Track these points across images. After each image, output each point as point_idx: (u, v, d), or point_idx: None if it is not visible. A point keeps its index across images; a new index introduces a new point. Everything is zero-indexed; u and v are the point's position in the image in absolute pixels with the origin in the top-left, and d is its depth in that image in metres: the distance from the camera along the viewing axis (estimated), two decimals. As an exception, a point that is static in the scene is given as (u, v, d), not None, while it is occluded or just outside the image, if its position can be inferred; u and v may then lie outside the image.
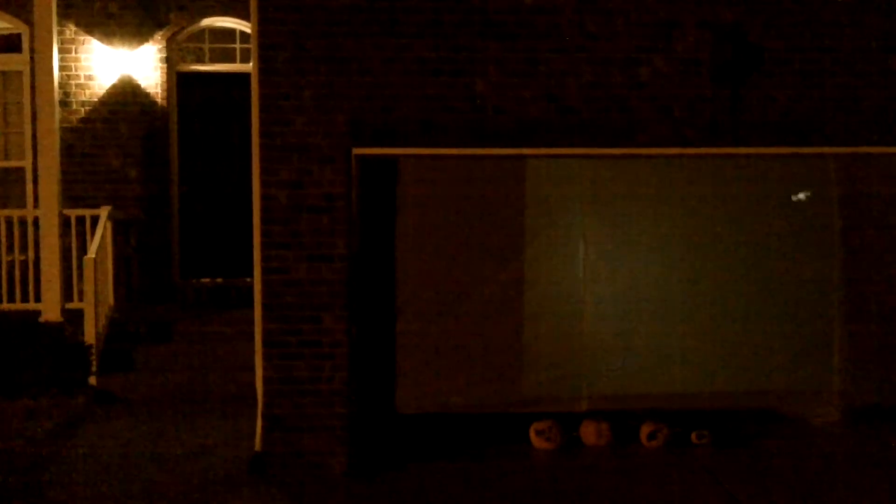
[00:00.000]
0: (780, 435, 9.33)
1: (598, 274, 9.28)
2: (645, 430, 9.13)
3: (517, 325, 9.21)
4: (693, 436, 9.12)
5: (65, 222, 11.57)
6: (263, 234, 8.56)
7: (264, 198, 8.54)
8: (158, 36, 12.75)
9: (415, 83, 8.51)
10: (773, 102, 8.70)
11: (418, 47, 8.51)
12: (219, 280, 12.91)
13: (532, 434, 9.09)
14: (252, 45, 8.70)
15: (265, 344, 8.56)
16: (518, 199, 9.16)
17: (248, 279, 11.49)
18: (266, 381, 8.57)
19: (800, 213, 9.40)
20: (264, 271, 8.55)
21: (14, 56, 12.89)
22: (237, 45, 13.02)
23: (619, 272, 9.32)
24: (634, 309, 9.32)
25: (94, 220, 11.77)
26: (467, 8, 8.53)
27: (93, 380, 10.80)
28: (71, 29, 12.59)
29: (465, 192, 9.01)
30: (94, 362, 10.83)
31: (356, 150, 8.50)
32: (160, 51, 12.75)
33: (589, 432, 9.20)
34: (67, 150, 12.35)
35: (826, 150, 8.88)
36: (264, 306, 8.57)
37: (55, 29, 11.38)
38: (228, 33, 13.05)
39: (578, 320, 9.29)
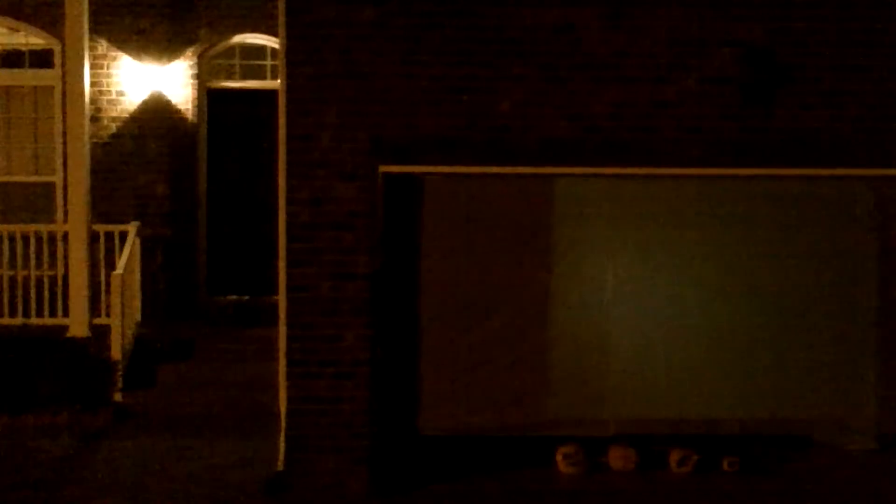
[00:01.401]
0: (813, 462, 9.13)
1: (624, 295, 9.14)
2: (674, 456, 8.97)
3: (542, 346, 9.08)
4: (724, 462, 8.95)
5: (93, 237, 11.55)
6: (287, 251, 8.53)
7: (289, 215, 8.50)
8: (189, 52, 12.77)
9: (438, 101, 8.44)
10: (802, 122, 8.53)
11: (441, 65, 8.43)
12: (245, 298, 12.89)
13: (558, 458, 8.95)
14: (279, 62, 8.68)
15: (288, 363, 8.50)
16: (544, 217, 9.04)
17: (274, 297, 11.42)
18: (289, 400, 8.51)
19: (833, 235, 9.21)
20: (288, 289, 8.51)
21: (46, 71, 12.95)
22: (267, 62, 13.02)
23: (647, 293, 9.17)
24: (661, 331, 9.17)
25: (123, 235, 11.77)
26: (490, 25, 8.44)
27: (118, 396, 10.79)
28: (102, 45, 12.64)
29: (490, 209, 8.92)
30: (119, 379, 10.81)
31: (382, 168, 8.44)
32: (191, 67, 12.78)
33: (616, 457, 9.04)
34: (97, 166, 12.33)
35: (856, 171, 8.71)
36: (288, 325, 8.53)
37: (87, 44, 11.38)
38: (259, 50, 13.06)
39: (604, 341, 9.15)
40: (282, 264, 8.60)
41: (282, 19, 8.56)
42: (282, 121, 8.57)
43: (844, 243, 9.22)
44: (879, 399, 9.28)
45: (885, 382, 9.27)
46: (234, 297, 12.94)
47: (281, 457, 8.50)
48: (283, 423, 8.53)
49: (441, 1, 8.39)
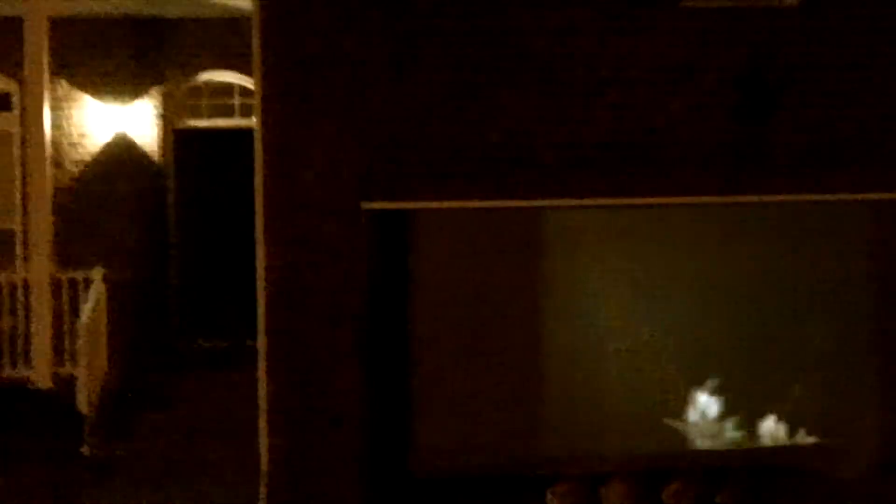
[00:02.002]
0: (810, 492, 8.96)
1: (619, 326, 8.95)
2: (669, 490, 8.74)
3: (535, 383, 8.87)
4: (720, 496, 8.72)
5: (57, 285, 11.16)
6: (268, 294, 8.30)
7: (269, 256, 8.28)
8: (154, 92, 12.47)
9: (425, 133, 8.25)
10: (796, 145, 8.42)
11: (428, 95, 8.26)
12: (220, 342, 12.56)
13: (550, 497, 8.69)
14: (255, 98, 8.48)
15: (271, 410, 8.26)
16: (535, 248, 8.86)
17: (250, 341, 11.15)
18: (271, 448, 8.27)
19: (826, 261, 9.09)
20: (269, 333, 8.29)
21: (3, 115, 12.57)
22: (236, 101, 12.75)
23: (642, 324, 8.98)
24: (658, 363, 8.98)
25: (88, 282, 11.39)
26: (478, 55, 8.27)
27: (85, 450, 10.39)
28: (63, 86, 12.29)
29: (480, 241, 8.72)
30: (89, 431, 10.42)
31: (365, 205, 8.23)
32: (156, 107, 12.48)
33: (611, 494, 8.79)
34: (60, 211, 11.92)
35: (849, 196, 8.60)
36: (269, 369, 8.30)
37: (47, 87, 11.06)
38: (227, 88, 12.78)
39: (598, 376, 8.96)
40: (262, 307, 8.36)
41: (257, 55, 8.36)
42: (258, 158, 8.35)
43: (843, 268, 9.11)
44: (875, 428, 9.14)
45: (884, 410, 9.13)
46: (209, 341, 12.61)
47: (264, 506, 8.18)
48: (265, 472, 8.28)
49: (424, 30, 8.17)
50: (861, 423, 9.19)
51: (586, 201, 8.44)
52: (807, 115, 8.45)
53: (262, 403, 8.40)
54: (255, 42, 8.37)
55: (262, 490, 8.29)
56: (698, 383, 9.11)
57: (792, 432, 9.18)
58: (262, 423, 8.41)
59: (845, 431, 9.20)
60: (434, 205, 8.35)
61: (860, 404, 9.19)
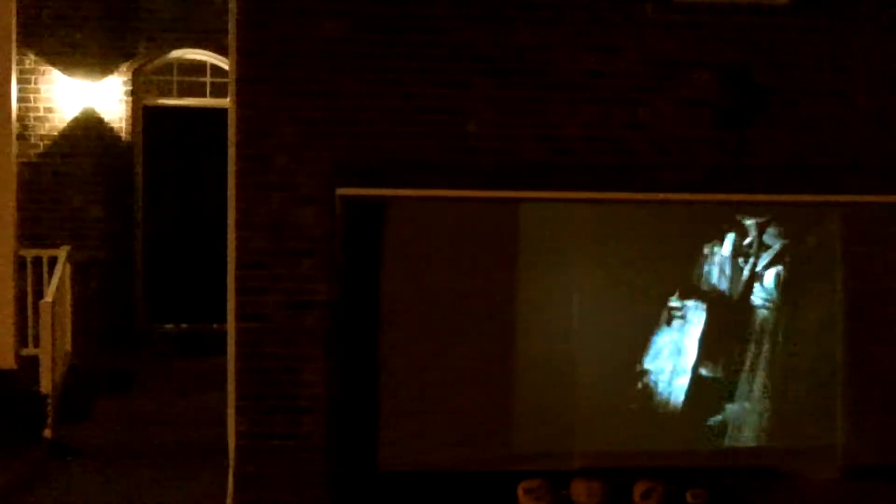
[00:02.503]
0: (779, 493, 8.92)
1: (592, 324, 8.83)
2: (639, 488, 8.68)
3: (507, 378, 8.73)
4: (688, 494, 8.69)
5: (20, 263, 10.94)
6: (238, 278, 8.12)
7: (240, 240, 8.09)
8: (124, 68, 12.27)
9: (403, 121, 8.10)
10: (778, 147, 8.35)
11: (407, 83, 8.09)
12: (185, 326, 12.43)
13: (520, 493, 8.59)
14: (230, 78, 8.25)
15: (239, 397, 8.09)
16: (511, 242, 8.69)
17: (217, 325, 10.98)
18: (239, 435, 8.08)
19: (803, 265, 9.04)
20: (239, 318, 8.10)
21: (-32, 87, 12.31)
22: (208, 79, 12.57)
23: (616, 323, 8.87)
24: (630, 361, 8.89)
25: (53, 261, 11.19)
26: (459, 43, 8.12)
27: (48, 432, 10.21)
28: (31, 58, 12.06)
29: (455, 234, 8.54)
30: (51, 413, 10.24)
31: (340, 191, 8.07)
32: (126, 83, 12.28)
33: (580, 491, 8.73)
34: (25, 187, 11.69)
35: (833, 198, 8.53)
36: (239, 356, 8.11)
37: (14, 58, 10.82)
38: (199, 67, 12.61)
39: (571, 373, 8.83)
40: (231, 292, 8.18)
41: (233, 33, 8.13)
42: (232, 140, 8.16)
43: (815, 273, 9.05)
44: (846, 430, 9.11)
45: (852, 413, 9.09)
46: (174, 325, 12.48)
47: (229, 497, 8.06)
48: (232, 460, 8.09)
49: (408, 15, 8.03)
50: (829, 426, 9.12)
51: (566, 194, 8.30)
52: (794, 115, 8.34)
53: (230, 388, 8.19)
54: (232, 21, 8.14)
55: (230, 475, 8.09)
56: (666, 382, 9.00)
57: (763, 433, 9.08)
58: (230, 409, 8.21)
59: (814, 434, 9.13)
60: (410, 192, 8.16)
61: (828, 408, 9.11)
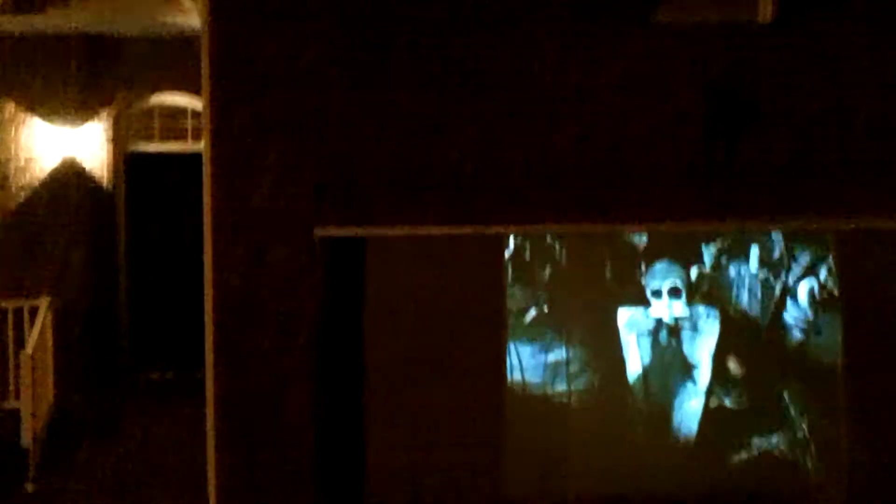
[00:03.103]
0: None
1: (585, 355, 8.59)
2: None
3: (497, 414, 8.48)
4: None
5: (1, 314, 10.83)
6: (216, 322, 7.92)
7: (217, 282, 7.90)
8: (104, 114, 12.16)
9: (385, 149, 7.89)
10: (769, 162, 8.12)
11: (388, 107, 7.87)
12: (169, 374, 12.25)
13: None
14: (203, 109, 8.06)
15: (219, 446, 7.89)
16: (497, 269, 8.47)
17: (200, 374, 10.84)
18: (219, 481, 7.89)
19: (802, 287, 8.80)
20: (218, 363, 7.91)
21: (-53, 137, 12.23)
22: (189, 123, 12.46)
23: (610, 353, 8.62)
24: (627, 393, 8.63)
25: (34, 311, 11.02)
26: (443, 61, 7.90)
27: (30, 486, 9.99)
28: (10, 108, 11.95)
29: (440, 268, 8.29)
30: (32, 466, 10.03)
31: (317, 231, 7.87)
32: (106, 130, 12.18)
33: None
34: (7, 236, 11.68)
35: (827, 220, 8.31)
36: (218, 402, 7.90)
37: (-9, 109, 10.78)
38: (180, 111, 12.50)
39: (565, 410, 8.58)
40: (209, 335, 7.98)
41: (206, 72, 7.97)
42: (207, 182, 7.98)
43: (813, 295, 8.82)
44: (847, 464, 8.82)
45: (854, 448, 8.82)
46: (158, 372, 12.30)
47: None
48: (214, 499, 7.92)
49: (391, 36, 7.83)
50: (832, 461, 8.85)
51: (552, 227, 8.10)
52: (780, 134, 8.15)
53: (210, 432, 7.98)
54: (204, 59, 7.98)
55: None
56: (665, 414, 8.74)
57: (762, 469, 8.78)
58: (210, 455, 7.99)
59: (817, 469, 8.86)
60: (391, 231, 7.97)
61: (830, 442, 8.84)
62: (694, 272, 8.66)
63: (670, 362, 8.70)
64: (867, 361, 8.70)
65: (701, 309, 8.69)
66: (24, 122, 12.04)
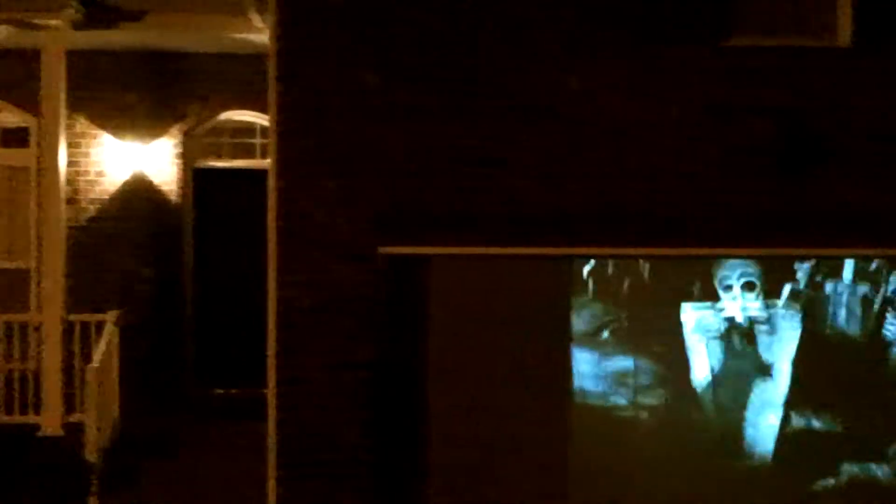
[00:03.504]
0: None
1: (650, 382, 8.38)
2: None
3: (562, 447, 8.29)
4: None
5: (69, 328, 10.83)
6: (278, 339, 7.92)
7: (280, 299, 7.91)
8: (174, 130, 12.18)
9: (444, 173, 7.86)
10: (841, 199, 7.89)
11: (447, 134, 7.86)
12: (234, 391, 12.17)
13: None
14: (270, 133, 8.11)
15: (279, 465, 7.85)
16: (562, 298, 8.31)
17: (265, 389, 10.78)
18: (279, 501, 7.82)
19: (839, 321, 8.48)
20: (279, 380, 7.89)
21: (20, 151, 12.30)
22: (258, 140, 12.43)
23: (673, 380, 8.40)
24: (692, 421, 8.41)
25: (101, 325, 11.05)
26: (501, 90, 7.85)
27: (93, 501, 9.97)
28: (82, 122, 12.03)
29: (504, 287, 8.17)
30: (95, 481, 10.01)
31: (381, 249, 7.80)
32: (176, 146, 12.18)
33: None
34: (76, 250, 11.67)
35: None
36: (279, 420, 7.89)
37: (63, 122, 10.80)
38: (248, 128, 12.48)
39: (630, 434, 8.39)
40: (272, 352, 7.98)
41: (272, 87, 8.01)
42: (272, 197, 8.01)
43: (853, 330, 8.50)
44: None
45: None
46: (223, 389, 12.24)
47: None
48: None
49: (449, 64, 7.78)
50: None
51: (612, 250, 7.95)
52: (857, 163, 7.89)
53: (271, 454, 7.97)
54: (271, 76, 8.02)
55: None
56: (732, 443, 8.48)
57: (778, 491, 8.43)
58: (270, 474, 7.95)
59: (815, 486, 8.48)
60: (454, 250, 7.88)
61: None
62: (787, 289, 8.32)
63: (744, 370, 8.35)
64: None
65: (780, 308, 8.34)
66: (95, 137, 12.12)
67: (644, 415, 8.42)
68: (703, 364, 8.36)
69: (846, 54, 8.01)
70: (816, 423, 8.44)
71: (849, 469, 8.47)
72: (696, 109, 7.90)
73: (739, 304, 8.33)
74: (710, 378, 8.38)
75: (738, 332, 8.38)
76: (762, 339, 8.40)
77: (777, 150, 7.84)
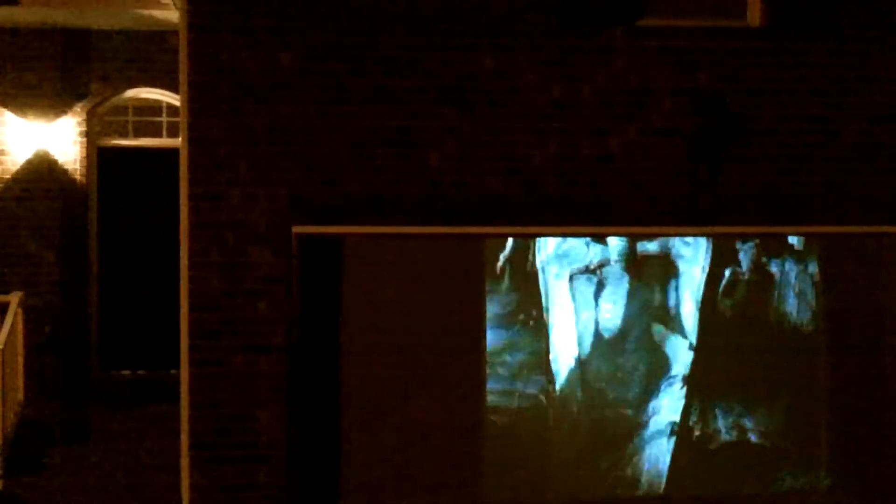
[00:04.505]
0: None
1: (567, 361, 8.48)
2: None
3: (476, 423, 8.36)
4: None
5: (-30, 310, 10.59)
6: (191, 321, 7.78)
7: (193, 281, 7.77)
8: (78, 108, 11.93)
9: (363, 154, 7.81)
10: (755, 177, 8.04)
11: (367, 115, 7.80)
12: (141, 372, 12.03)
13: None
14: (181, 113, 7.94)
15: (192, 446, 7.74)
16: (477, 279, 8.36)
17: (174, 371, 10.61)
18: (193, 487, 7.73)
19: (782, 303, 8.72)
20: (192, 363, 7.78)
21: (-80, 130, 11.98)
22: (164, 119, 12.25)
23: (591, 360, 8.51)
24: (608, 405, 8.53)
25: (4, 307, 10.80)
26: (422, 72, 7.83)
27: (-2, 485, 9.77)
28: (-18, 101, 11.76)
29: (419, 271, 8.20)
30: (1, 465, 9.79)
31: (297, 229, 7.75)
32: (79, 124, 11.95)
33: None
34: (-24, 231, 11.45)
35: (812, 229, 8.23)
36: (192, 403, 7.76)
37: (-35, 101, 10.56)
38: (154, 107, 12.28)
39: (544, 418, 8.48)
40: (184, 336, 7.84)
41: (183, 65, 7.84)
42: (184, 178, 7.85)
43: (794, 312, 8.74)
44: (831, 473, 8.79)
45: (838, 459, 8.75)
46: (130, 371, 12.09)
47: (185, 552, 7.68)
48: (187, 512, 7.72)
49: (367, 45, 7.74)
50: (816, 472, 8.78)
51: (532, 229, 7.99)
52: (772, 143, 8.05)
53: (184, 437, 7.85)
54: (182, 54, 7.85)
55: (184, 530, 7.73)
56: (648, 423, 8.63)
57: (748, 479, 8.70)
58: (184, 459, 7.85)
59: (801, 479, 8.78)
60: (371, 230, 7.84)
61: (815, 453, 8.77)
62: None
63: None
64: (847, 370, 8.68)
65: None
66: (-3, 115, 11.85)
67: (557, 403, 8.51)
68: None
69: (757, 34, 8.15)
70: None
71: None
72: (614, 91, 7.94)
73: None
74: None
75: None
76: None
77: (694, 130, 7.92)
